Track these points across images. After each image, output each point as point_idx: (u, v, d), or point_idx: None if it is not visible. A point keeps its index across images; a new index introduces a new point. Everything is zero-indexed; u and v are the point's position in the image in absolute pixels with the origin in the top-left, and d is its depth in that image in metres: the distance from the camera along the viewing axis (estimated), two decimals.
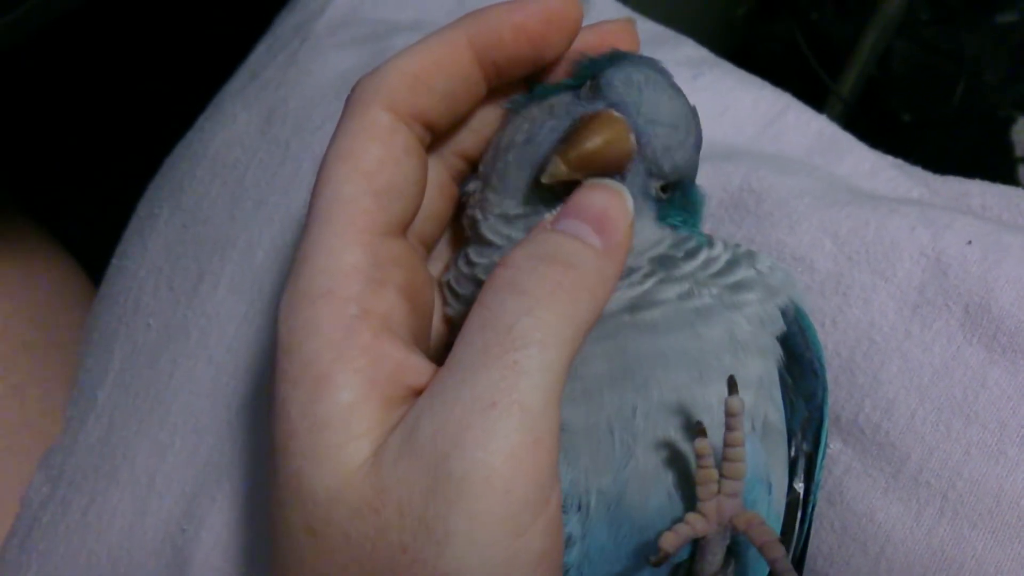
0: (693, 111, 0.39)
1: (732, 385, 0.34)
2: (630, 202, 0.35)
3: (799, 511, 0.39)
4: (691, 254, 0.39)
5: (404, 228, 0.37)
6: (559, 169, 0.35)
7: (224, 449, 0.49)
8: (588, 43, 0.39)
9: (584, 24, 0.38)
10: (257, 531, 0.47)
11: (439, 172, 0.40)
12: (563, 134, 0.36)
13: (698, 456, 0.34)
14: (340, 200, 0.34)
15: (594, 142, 0.35)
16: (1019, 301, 0.41)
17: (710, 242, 0.40)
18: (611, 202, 0.35)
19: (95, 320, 0.57)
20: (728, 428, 0.34)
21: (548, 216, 0.35)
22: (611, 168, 0.36)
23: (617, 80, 0.37)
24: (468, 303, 0.35)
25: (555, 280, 0.32)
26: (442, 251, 0.42)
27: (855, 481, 0.42)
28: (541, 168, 0.36)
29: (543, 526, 0.31)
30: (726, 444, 0.34)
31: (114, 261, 0.58)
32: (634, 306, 0.37)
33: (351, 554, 0.31)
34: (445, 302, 0.40)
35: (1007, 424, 0.40)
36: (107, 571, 0.49)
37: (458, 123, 0.39)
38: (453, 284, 0.39)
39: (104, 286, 0.58)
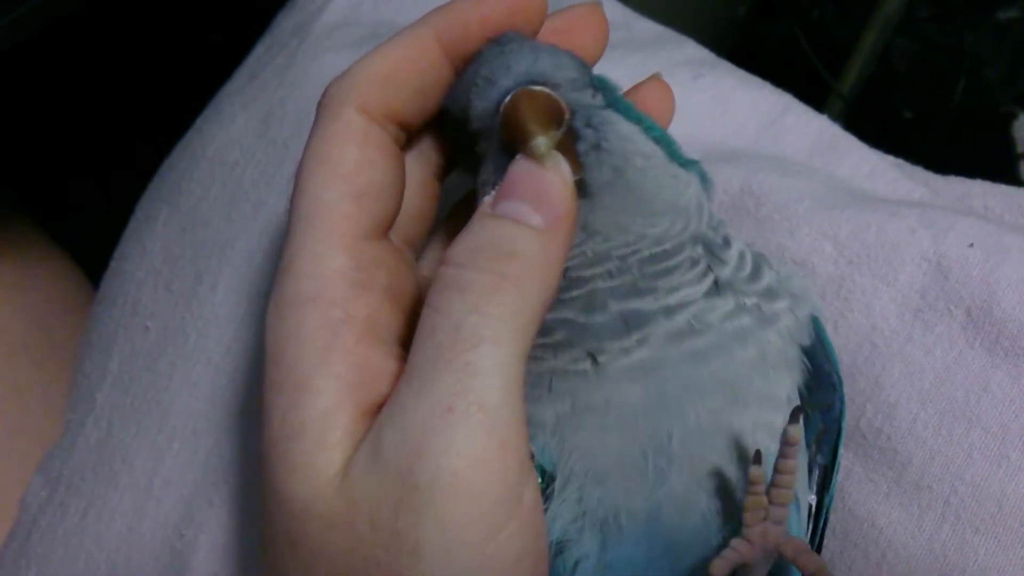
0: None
1: (795, 415, 0.34)
2: (567, 168, 0.33)
3: (810, 523, 0.39)
4: (727, 242, 0.38)
5: (386, 229, 0.36)
6: (539, 145, 0.33)
7: (222, 453, 0.49)
8: (555, 30, 0.38)
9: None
10: (254, 536, 0.47)
11: (419, 170, 0.39)
12: (504, 150, 0.35)
13: (751, 483, 0.33)
14: (320, 205, 0.34)
15: (527, 109, 0.33)
16: (1021, 304, 0.40)
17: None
18: (547, 172, 0.33)
19: (94, 322, 0.57)
20: (783, 456, 0.34)
21: (487, 199, 0.33)
22: (560, 110, 0.34)
23: (480, 90, 0.35)
24: None
25: (498, 272, 0.31)
26: (436, 254, 0.42)
27: (856, 486, 0.42)
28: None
29: (517, 526, 0.30)
30: (778, 471, 0.34)
31: (113, 263, 0.58)
32: (680, 335, 0.36)
33: (328, 566, 0.31)
34: None
35: (1009, 428, 0.39)
36: (105, 575, 0.49)
37: (432, 119, 0.39)
38: None
39: (103, 288, 0.58)
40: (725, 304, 0.37)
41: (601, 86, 0.37)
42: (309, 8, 0.59)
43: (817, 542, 0.39)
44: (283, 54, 0.57)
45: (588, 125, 0.35)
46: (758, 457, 0.33)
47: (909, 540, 0.40)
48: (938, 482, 0.40)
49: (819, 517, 0.39)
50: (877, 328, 0.42)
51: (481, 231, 0.32)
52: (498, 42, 0.36)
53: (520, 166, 0.33)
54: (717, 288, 0.37)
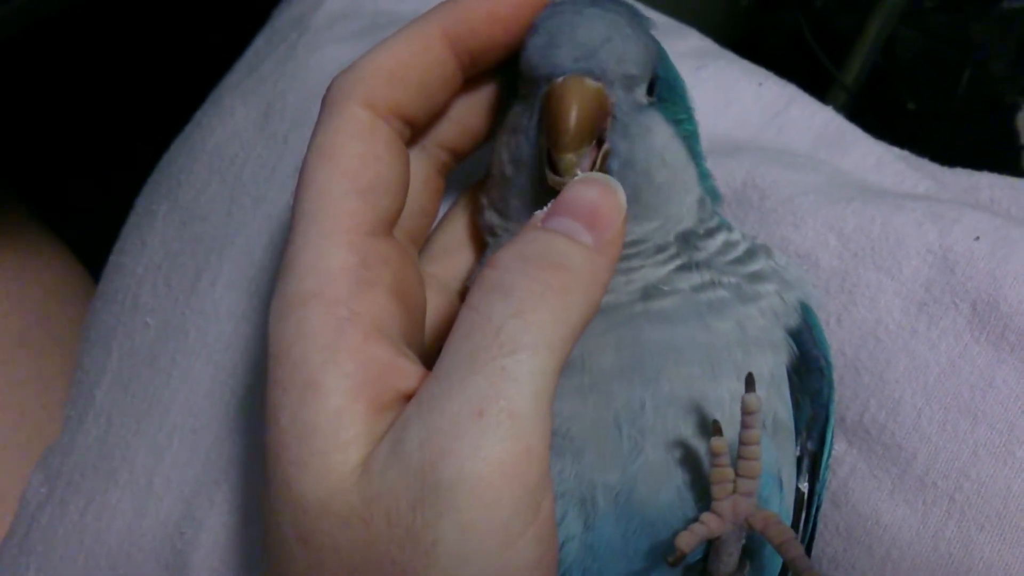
0: (620, 5, 0.37)
1: (750, 383, 0.33)
2: (622, 196, 0.34)
3: (803, 511, 0.38)
4: (711, 233, 0.39)
5: (390, 226, 0.36)
6: (566, 161, 0.34)
7: (223, 450, 0.48)
8: None
9: None
10: (255, 535, 0.47)
11: (423, 166, 0.39)
12: (540, 128, 0.36)
13: (714, 455, 0.33)
14: (325, 200, 0.34)
15: (570, 119, 0.34)
16: None
17: (728, 226, 0.40)
18: (603, 197, 0.33)
19: (93, 317, 0.57)
20: (744, 426, 0.33)
21: (539, 213, 0.34)
22: (603, 118, 0.35)
23: (537, 45, 0.36)
24: None
25: (544, 281, 0.31)
26: (449, 249, 0.41)
27: (860, 482, 0.42)
28: (539, 170, 0.36)
29: (534, 534, 0.30)
30: (742, 442, 0.33)
31: (112, 258, 0.58)
32: (647, 293, 0.36)
33: (341, 563, 0.31)
34: None
35: (1015, 424, 0.39)
36: (106, 573, 0.49)
37: (436, 115, 0.39)
38: None
39: (102, 283, 0.58)
40: (699, 277, 0.37)
41: (661, 74, 0.38)
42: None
43: (810, 530, 0.39)
44: (283, 46, 0.57)
45: (625, 136, 0.36)
46: (718, 428, 0.33)
47: (914, 537, 0.40)
48: (943, 479, 0.40)
49: (811, 505, 0.39)
50: (882, 322, 0.42)
51: (531, 241, 0.33)
52: None
53: (577, 187, 0.34)
54: (688, 267, 0.37)
